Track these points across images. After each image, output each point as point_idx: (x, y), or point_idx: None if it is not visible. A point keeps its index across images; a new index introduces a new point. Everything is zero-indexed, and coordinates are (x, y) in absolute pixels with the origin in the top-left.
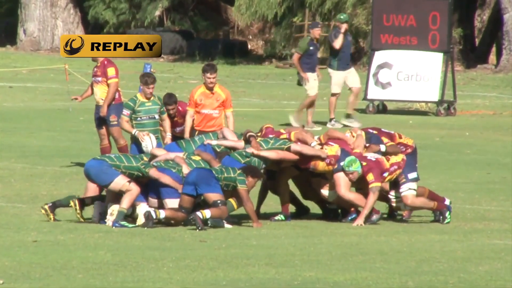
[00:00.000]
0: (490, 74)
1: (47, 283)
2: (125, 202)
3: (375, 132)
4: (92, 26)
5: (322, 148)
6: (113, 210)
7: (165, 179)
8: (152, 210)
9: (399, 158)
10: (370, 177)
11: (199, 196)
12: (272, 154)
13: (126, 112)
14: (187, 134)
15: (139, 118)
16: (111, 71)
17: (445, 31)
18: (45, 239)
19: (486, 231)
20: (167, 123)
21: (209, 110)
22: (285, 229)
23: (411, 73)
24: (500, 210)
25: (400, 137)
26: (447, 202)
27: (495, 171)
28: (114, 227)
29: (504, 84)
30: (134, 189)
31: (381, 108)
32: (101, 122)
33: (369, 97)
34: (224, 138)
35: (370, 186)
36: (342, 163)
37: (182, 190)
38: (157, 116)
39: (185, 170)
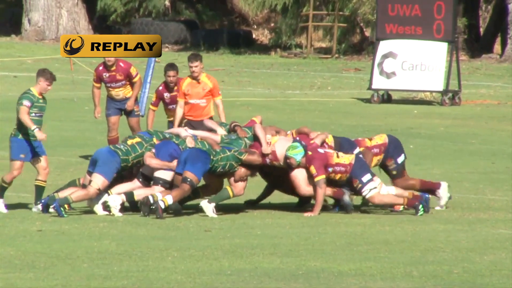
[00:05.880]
0: (495, 63)
1: (52, 273)
2: (77, 195)
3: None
4: (97, 15)
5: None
6: (106, 200)
7: (154, 164)
8: (159, 201)
9: (347, 160)
10: (312, 170)
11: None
12: (249, 157)
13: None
14: (176, 124)
15: None
16: (133, 70)
17: (450, 21)
18: (50, 229)
19: (490, 220)
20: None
21: (195, 100)
22: (290, 218)
23: (416, 62)
24: (505, 200)
25: (371, 140)
26: (443, 186)
27: (500, 161)
28: (52, 207)
29: (509, 73)
30: (92, 193)
31: (386, 97)
32: (116, 113)
33: (373, 86)
34: (207, 129)
35: (316, 180)
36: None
37: (176, 170)
38: None
39: (189, 142)
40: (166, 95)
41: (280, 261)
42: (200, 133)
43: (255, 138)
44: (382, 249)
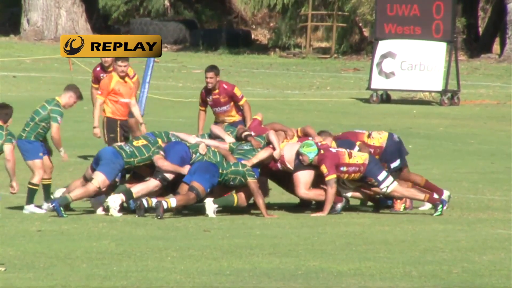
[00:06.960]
0: (493, 63)
1: (51, 273)
2: (75, 194)
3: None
4: (96, 15)
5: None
6: (107, 202)
7: (166, 166)
8: (163, 201)
9: (360, 160)
10: (323, 169)
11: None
12: (263, 155)
13: None
14: (96, 123)
15: None
16: (130, 70)
17: (448, 21)
18: (49, 229)
19: (489, 220)
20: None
21: (127, 99)
22: (289, 219)
23: (415, 62)
24: (504, 200)
25: (369, 136)
26: (445, 195)
27: (499, 161)
28: (51, 206)
29: (508, 73)
30: (92, 191)
31: (385, 97)
32: None
33: (372, 86)
34: (215, 136)
35: (326, 179)
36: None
37: (184, 179)
38: None
39: (202, 149)
40: (209, 97)
41: (279, 261)
42: (210, 142)
43: (268, 144)
44: (382, 249)
